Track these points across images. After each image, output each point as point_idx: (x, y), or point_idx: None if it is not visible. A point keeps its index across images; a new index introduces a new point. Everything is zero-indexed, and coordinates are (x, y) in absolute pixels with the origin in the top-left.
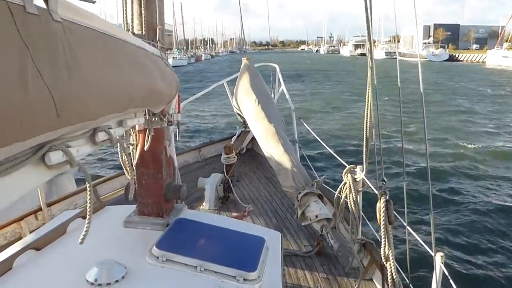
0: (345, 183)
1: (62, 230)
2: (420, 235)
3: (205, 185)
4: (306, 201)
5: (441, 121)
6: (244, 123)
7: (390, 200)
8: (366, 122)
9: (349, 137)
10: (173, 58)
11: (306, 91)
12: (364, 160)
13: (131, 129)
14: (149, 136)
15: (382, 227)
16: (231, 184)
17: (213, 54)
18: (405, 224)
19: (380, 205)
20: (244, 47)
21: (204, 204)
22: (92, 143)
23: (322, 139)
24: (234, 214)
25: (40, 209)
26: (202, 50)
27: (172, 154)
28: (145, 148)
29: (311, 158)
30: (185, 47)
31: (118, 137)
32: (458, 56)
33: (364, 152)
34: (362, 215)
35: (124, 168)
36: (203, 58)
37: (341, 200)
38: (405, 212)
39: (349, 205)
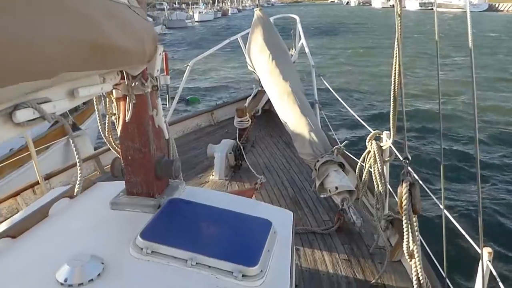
0: (369, 151)
1: (44, 213)
2: (461, 223)
3: (214, 153)
4: (325, 171)
5: (489, 84)
6: (261, 81)
7: (415, 183)
8: (394, 80)
9: (377, 99)
10: (199, 12)
11: (330, 47)
12: (391, 125)
13: (112, 96)
14: (130, 104)
15: (404, 217)
16: (243, 151)
17: (240, 8)
18: (441, 207)
19: (402, 190)
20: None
21: (213, 173)
22: (12, 124)
23: (345, 100)
24: (245, 186)
25: (38, 182)
26: (228, 4)
27: (161, 125)
28: (127, 119)
29: (332, 121)
30: (211, 1)
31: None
32: (498, 5)
33: (391, 115)
34: (389, 188)
35: (107, 142)
36: (230, 12)
37: (365, 171)
38: (442, 194)
39: (373, 176)
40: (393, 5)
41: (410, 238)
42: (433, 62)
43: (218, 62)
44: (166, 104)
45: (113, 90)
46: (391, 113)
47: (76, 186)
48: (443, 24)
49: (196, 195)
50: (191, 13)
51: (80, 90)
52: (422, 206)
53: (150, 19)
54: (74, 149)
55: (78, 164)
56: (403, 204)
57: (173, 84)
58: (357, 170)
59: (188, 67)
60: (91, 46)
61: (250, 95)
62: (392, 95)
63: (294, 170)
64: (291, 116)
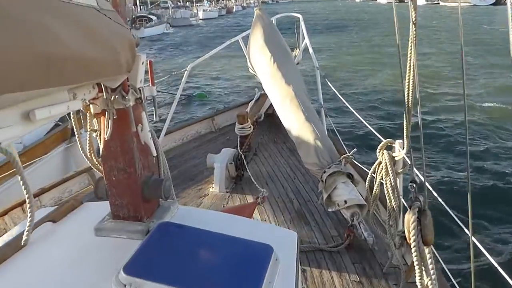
0: (380, 162)
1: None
2: (491, 251)
3: (214, 163)
4: (332, 183)
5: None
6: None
7: (426, 210)
8: (408, 85)
9: (389, 104)
10: (203, 10)
11: (335, 46)
12: (404, 134)
13: (90, 111)
14: (110, 120)
15: (413, 250)
16: (244, 160)
17: (245, 5)
18: (469, 234)
19: (410, 218)
20: None
21: (213, 186)
22: None
23: (353, 105)
24: (247, 199)
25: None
26: (233, 1)
27: (147, 141)
28: (106, 136)
29: (339, 127)
30: None
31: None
32: None
33: (405, 123)
34: (403, 202)
35: (89, 161)
36: (234, 9)
37: (376, 183)
38: (469, 221)
39: (385, 190)
40: (400, 0)
41: (424, 273)
42: (448, 61)
43: (219, 64)
44: (154, 118)
45: (91, 105)
46: (404, 121)
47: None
48: (449, 19)
49: (190, 217)
50: (195, 11)
51: (37, 112)
52: (433, 236)
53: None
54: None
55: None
56: (410, 235)
57: (173, 89)
58: (367, 182)
59: (186, 71)
60: (44, 60)
61: (253, 99)
62: (406, 101)
63: (299, 179)
64: (295, 123)
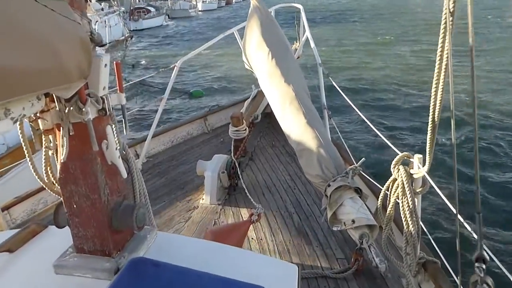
0: (395, 179)
1: None
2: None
3: (204, 172)
4: (338, 198)
5: None
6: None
7: None
8: (436, 91)
9: (404, 109)
10: (202, 2)
11: (340, 40)
12: (427, 147)
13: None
14: (65, 137)
15: None
16: (238, 169)
17: None
18: None
19: None
20: None
21: (204, 197)
22: None
23: (360, 107)
24: (242, 213)
25: None
26: None
27: (115, 161)
28: (62, 157)
29: (345, 133)
30: None
31: None
32: None
33: (428, 135)
34: (421, 226)
35: (44, 185)
36: (234, 1)
37: (391, 204)
38: None
39: (401, 213)
40: None
41: None
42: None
43: (212, 57)
44: (124, 131)
45: (39, 120)
46: (428, 133)
47: None
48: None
49: (170, 248)
50: (194, 3)
51: None
52: None
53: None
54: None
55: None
56: None
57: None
58: (379, 201)
59: (176, 67)
60: None
61: (249, 97)
62: (431, 114)
63: (300, 190)
64: (295, 127)
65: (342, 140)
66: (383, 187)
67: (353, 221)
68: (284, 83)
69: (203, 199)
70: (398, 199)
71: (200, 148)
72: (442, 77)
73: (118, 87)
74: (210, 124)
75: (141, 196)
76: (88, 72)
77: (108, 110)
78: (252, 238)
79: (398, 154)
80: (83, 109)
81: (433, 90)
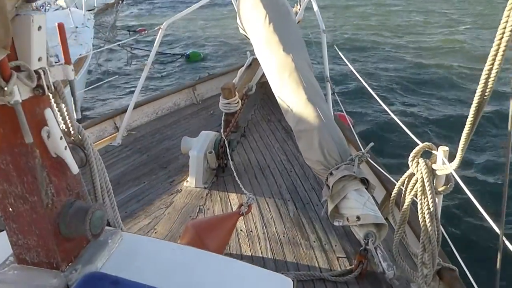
0: (413, 174)
1: None
2: None
3: (189, 151)
4: (341, 190)
5: None
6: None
7: None
8: (487, 79)
9: (423, 86)
10: None
11: (348, 2)
12: (462, 140)
13: None
14: None
15: None
16: (227, 148)
17: None
18: None
19: None
20: None
21: (188, 179)
22: None
23: (371, 84)
24: (231, 199)
25: None
26: None
27: (61, 153)
28: None
29: (350, 112)
30: None
31: None
32: None
33: (466, 128)
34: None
35: None
36: None
37: (406, 203)
38: None
39: (420, 214)
40: None
41: None
42: None
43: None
44: (74, 115)
45: None
46: (467, 124)
47: None
48: None
49: (137, 255)
50: None
51: None
52: None
53: None
54: None
55: None
56: None
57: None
58: (391, 198)
59: (161, 30)
60: None
61: (243, 65)
62: (476, 100)
63: (297, 172)
64: (294, 104)
65: (349, 120)
66: (392, 176)
67: (358, 218)
68: (283, 52)
69: (187, 181)
70: (416, 197)
71: (187, 121)
72: (497, 63)
73: (63, 57)
74: (200, 94)
75: (103, 192)
76: (7, 39)
77: (49, 88)
78: (240, 230)
79: (415, 142)
80: (6, 88)
81: (483, 77)
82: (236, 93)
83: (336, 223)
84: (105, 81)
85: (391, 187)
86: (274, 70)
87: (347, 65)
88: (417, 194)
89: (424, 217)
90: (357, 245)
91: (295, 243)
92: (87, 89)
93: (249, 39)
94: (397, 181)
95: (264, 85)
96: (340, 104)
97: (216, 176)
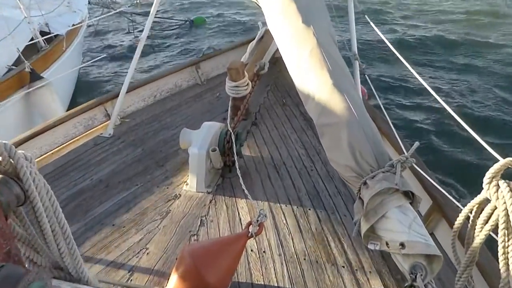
0: (486, 200)
1: None
2: None
3: (189, 148)
4: (379, 206)
5: None
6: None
7: None
8: None
9: (490, 67)
10: None
11: None
12: None
13: None
14: None
15: None
16: (234, 143)
17: None
18: None
19: None
20: None
21: (188, 181)
22: None
23: (411, 63)
24: (239, 210)
25: None
26: None
27: None
28: None
29: (385, 98)
30: None
31: None
32: None
33: None
34: None
35: None
36: None
37: (479, 238)
38: None
39: (500, 256)
40: None
41: None
42: None
43: None
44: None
45: None
46: None
47: None
48: None
49: None
50: None
51: None
52: None
53: None
54: None
55: None
56: None
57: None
58: (455, 228)
59: None
60: None
61: (254, 38)
62: None
63: (319, 171)
64: (316, 90)
65: (384, 112)
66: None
67: (402, 245)
68: (302, 24)
69: (187, 184)
70: (493, 232)
71: (190, 105)
72: None
73: None
74: (204, 73)
75: (56, 235)
76: None
77: None
78: (251, 250)
79: (485, 149)
80: None
81: None
82: (245, 73)
83: (371, 246)
84: (100, 57)
85: (438, 196)
86: (291, 46)
87: (381, 38)
88: (496, 229)
89: (508, 262)
90: (398, 273)
91: (319, 268)
92: (83, 65)
93: (260, 7)
94: (445, 190)
95: (278, 61)
96: (373, 89)
97: (222, 177)
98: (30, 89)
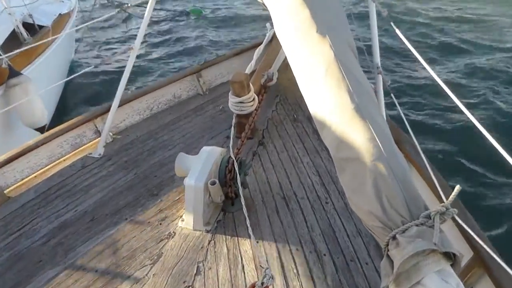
0: None
1: None
2: None
3: (186, 178)
4: (413, 270)
5: None
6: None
7: None
8: None
9: None
10: None
11: None
12: None
13: None
14: None
15: None
16: (237, 173)
17: None
18: None
19: None
20: None
21: (184, 217)
22: None
23: (445, 80)
24: (243, 254)
25: None
26: None
27: None
28: None
29: (415, 121)
30: None
31: None
32: None
33: None
34: None
35: None
36: None
37: None
38: None
39: None
40: None
41: None
42: None
43: None
44: None
45: None
46: None
47: None
48: None
49: None
50: None
51: None
52: None
53: None
54: None
55: None
56: None
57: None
58: None
59: None
60: None
61: (262, 42)
62: None
63: (335, 204)
64: (333, 115)
65: (413, 138)
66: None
67: None
68: (317, 34)
69: (183, 220)
70: None
71: (190, 120)
72: None
73: None
74: (206, 82)
75: None
76: None
77: None
78: None
79: None
80: None
81: None
82: (251, 86)
83: None
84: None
85: (481, 247)
86: (303, 61)
87: (408, 47)
88: None
89: None
90: None
91: None
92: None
93: (267, 9)
94: (489, 240)
95: (288, 68)
96: (400, 111)
97: (223, 211)
98: (6, 88)
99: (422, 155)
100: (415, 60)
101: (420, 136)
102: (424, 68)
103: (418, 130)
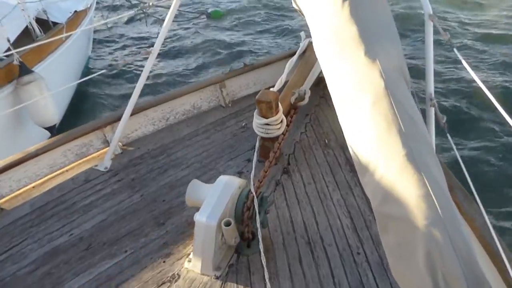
0: None
1: None
2: None
3: (196, 214)
4: None
5: None
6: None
7: None
8: None
9: None
10: None
11: None
12: None
13: None
14: None
15: None
16: (257, 210)
17: None
18: None
19: None
20: None
21: (191, 257)
22: None
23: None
24: None
25: None
26: None
27: None
28: None
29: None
30: None
31: None
32: None
33: None
34: None
35: None
36: None
37: None
38: None
39: None
40: None
41: None
42: None
43: None
44: None
45: None
46: None
47: None
48: None
49: None
50: None
51: None
52: None
53: None
54: None
55: None
56: None
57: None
58: None
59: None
60: None
61: (295, 53)
62: None
63: (368, 258)
64: (379, 161)
65: (475, 194)
66: None
67: None
68: (365, 57)
69: (189, 260)
70: None
71: (208, 135)
72: None
73: None
74: (230, 93)
75: None
76: None
77: None
78: None
79: None
80: None
81: None
82: (280, 106)
83: None
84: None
85: None
86: (345, 86)
87: (472, 75)
88: None
89: None
90: None
91: None
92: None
93: (303, 16)
94: None
95: (322, 82)
96: (458, 156)
97: (237, 254)
98: (18, 85)
99: (483, 211)
100: (479, 94)
101: (483, 190)
102: (492, 105)
103: (479, 181)
